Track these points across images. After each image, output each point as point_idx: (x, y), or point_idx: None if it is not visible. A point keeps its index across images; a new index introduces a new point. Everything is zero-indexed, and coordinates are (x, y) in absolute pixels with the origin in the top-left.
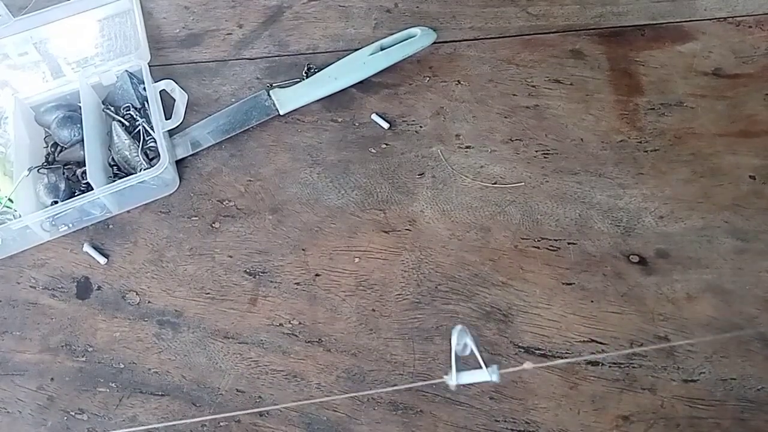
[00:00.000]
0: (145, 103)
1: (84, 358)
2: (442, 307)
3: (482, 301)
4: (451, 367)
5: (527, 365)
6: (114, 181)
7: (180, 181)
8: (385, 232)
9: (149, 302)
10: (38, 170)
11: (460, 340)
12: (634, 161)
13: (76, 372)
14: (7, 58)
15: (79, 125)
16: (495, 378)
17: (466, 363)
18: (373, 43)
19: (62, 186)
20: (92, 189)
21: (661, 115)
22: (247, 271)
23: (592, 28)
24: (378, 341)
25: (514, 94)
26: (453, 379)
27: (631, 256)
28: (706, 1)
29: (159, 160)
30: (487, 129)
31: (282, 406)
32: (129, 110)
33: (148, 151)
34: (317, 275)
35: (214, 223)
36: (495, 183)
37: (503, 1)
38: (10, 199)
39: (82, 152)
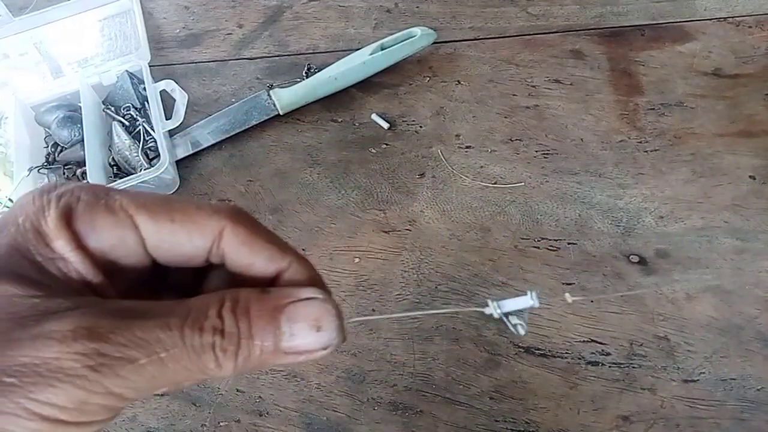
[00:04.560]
0: (146, 103)
1: None
2: (442, 307)
3: (482, 301)
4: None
5: (567, 297)
6: (114, 181)
7: (180, 181)
8: (385, 232)
9: None
10: (38, 170)
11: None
12: (634, 161)
13: None
14: (7, 58)
15: (79, 125)
16: (536, 302)
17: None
18: (373, 43)
19: None
20: None
21: (661, 115)
22: None
23: (592, 28)
24: (378, 341)
25: (514, 94)
26: (495, 308)
27: (631, 256)
28: (706, 1)
29: (159, 160)
30: (487, 129)
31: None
32: (129, 110)
33: (149, 151)
34: None
35: None
36: (495, 183)
37: (503, 2)
38: (10, 199)
39: (82, 152)
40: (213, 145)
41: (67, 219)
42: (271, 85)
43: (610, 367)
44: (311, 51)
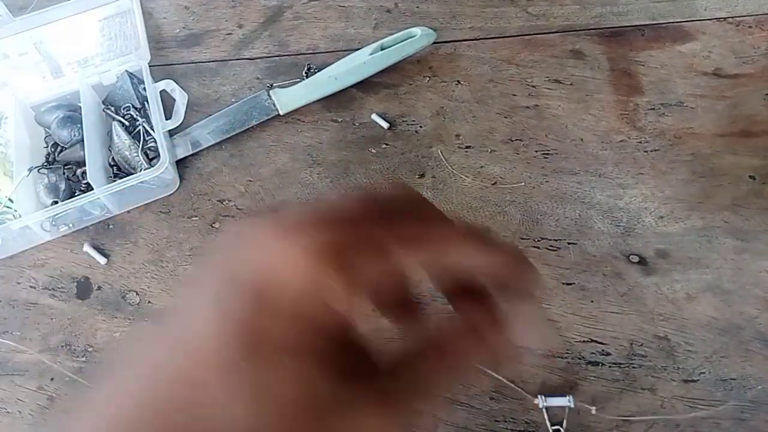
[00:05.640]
0: (146, 103)
1: (84, 358)
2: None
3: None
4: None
5: (593, 411)
6: (114, 181)
7: (180, 181)
8: None
9: (149, 302)
10: (38, 170)
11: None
12: (634, 161)
13: (77, 372)
14: (7, 58)
15: (79, 125)
16: (572, 404)
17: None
18: (373, 43)
19: (62, 186)
20: (92, 189)
21: (661, 115)
22: None
23: (592, 28)
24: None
25: (514, 94)
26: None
27: (631, 256)
28: (706, 1)
29: (159, 160)
30: (487, 129)
31: None
32: (129, 110)
33: (149, 151)
34: None
35: (214, 223)
36: (495, 183)
37: (503, 1)
38: (10, 199)
39: (82, 152)
40: (213, 145)
41: (347, 271)
42: (271, 85)
43: (610, 367)
44: (311, 51)
